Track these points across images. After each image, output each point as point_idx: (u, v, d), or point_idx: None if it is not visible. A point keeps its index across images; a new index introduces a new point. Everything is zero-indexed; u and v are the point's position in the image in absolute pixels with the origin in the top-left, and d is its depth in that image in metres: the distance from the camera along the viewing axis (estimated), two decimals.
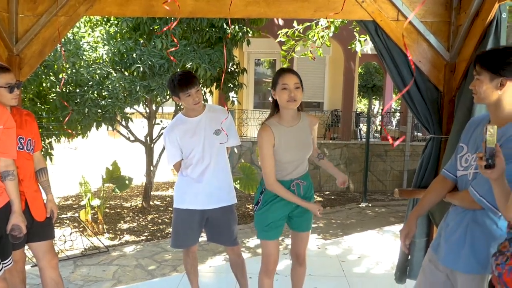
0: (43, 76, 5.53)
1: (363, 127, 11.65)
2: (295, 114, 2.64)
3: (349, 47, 5.30)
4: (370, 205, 8.03)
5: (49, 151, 6.01)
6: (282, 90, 2.51)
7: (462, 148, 1.98)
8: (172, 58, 4.92)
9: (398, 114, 13.83)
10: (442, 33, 2.89)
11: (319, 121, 2.81)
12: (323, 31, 4.80)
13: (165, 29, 5.25)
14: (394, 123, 14.31)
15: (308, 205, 2.62)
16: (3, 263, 2.33)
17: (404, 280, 3.09)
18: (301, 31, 4.92)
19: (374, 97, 21.56)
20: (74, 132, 6.14)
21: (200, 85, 2.96)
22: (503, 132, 1.72)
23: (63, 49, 5.53)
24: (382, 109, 13.96)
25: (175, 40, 5.56)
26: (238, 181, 6.82)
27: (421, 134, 11.62)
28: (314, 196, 2.89)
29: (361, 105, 22.06)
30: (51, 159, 5.95)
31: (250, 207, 7.74)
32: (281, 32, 4.95)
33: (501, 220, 1.80)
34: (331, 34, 4.83)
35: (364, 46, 5.00)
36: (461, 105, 2.66)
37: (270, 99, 2.69)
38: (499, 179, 1.55)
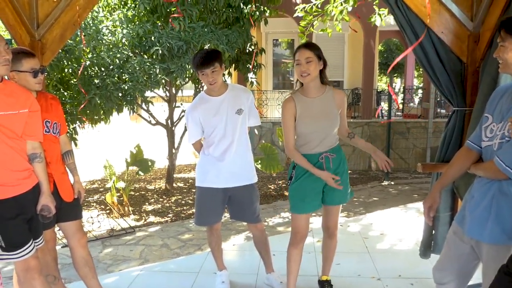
0: (65, 62, 5.61)
1: (384, 105, 11.48)
2: (318, 86, 2.70)
3: (368, 21, 5.20)
4: (392, 183, 7.97)
5: (74, 136, 6.14)
6: (296, 66, 2.63)
7: (487, 118, 1.94)
8: (173, 25, 4.90)
9: (420, 91, 13.56)
10: (465, 2, 2.80)
11: (345, 95, 2.83)
12: (341, 5, 4.71)
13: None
14: (416, 100, 14.06)
15: (320, 173, 2.65)
16: (35, 242, 2.41)
17: (429, 255, 3.08)
18: (319, 6, 4.84)
19: (395, 75, 21.16)
20: (91, 117, 6.22)
21: (222, 65, 2.94)
22: None
23: (82, 33, 5.59)
24: (404, 87, 13.70)
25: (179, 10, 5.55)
26: (260, 162, 6.86)
27: (444, 110, 11.40)
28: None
29: (381, 83, 21.70)
30: (75, 144, 6.08)
31: (272, 187, 7.78)
32: (299, 8, 4.88)
33: None
34: (349, 8, 4.74)
35: (385, 18, 4.88)
36: (486, 75, 2.59)
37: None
38: None
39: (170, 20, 5.71)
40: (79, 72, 5.53)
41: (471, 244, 1.96)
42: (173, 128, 7.79)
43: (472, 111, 2.74)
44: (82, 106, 5.33)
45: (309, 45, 2.66)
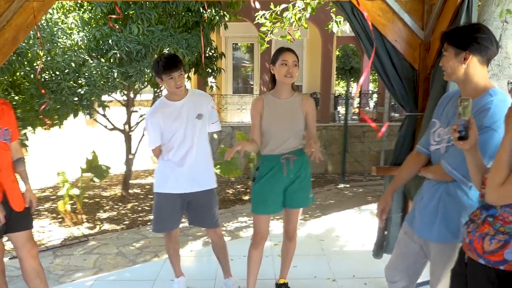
0: (17, 65, 5.38)
1: (341, 109, 11.74)
2: (289, 90, 2.82)
3: (326, 28, 5.31)
4: (348, 185, 8.15)
5: (24, 142, 5.89)
6: (281, 65, 2.70)
7: (435, 123, 2.03)
8: (111, 25, 4.79)
9: (375, 95, 13.97)
10: (417, 12, 2.92)
11: (313, 102, 2.91)
12: (300, 12, 4.79)
13: None
14: (371, 104, 14.47)
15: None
16: None
17: (381, 255, 3.18)
18: (278, 13, 4.91)
19: (352, 80, 21.69)
20: (50, 121, 6.01)
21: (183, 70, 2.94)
22: (473, 105, 1.77)
23: (40, 35, 5.40)
24: (360, 91, 14.09)
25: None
26: (218, 166, 6.83)
27: (398, 114, 11.79)
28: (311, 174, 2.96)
29: (339, 87, 22.19)
30: (26, 150, 5.83)
31: (231, 192, 7.77)
32: (258, 14, 4.93)
33: (471, 190, 1.86)
34: (308, 16, 4.83)
35: (342, 27, 5.01)
36: (436, 82, 2.70)
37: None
38: (472, 150, 1.60)
39: (109, 20, 5.60)
40: (37, 72, 5.33)
41: (420, 243, 2.04)
42: (130, 133, 7.63)
43: (423, 116, 2.85)
44: (43, 106, 5.14)
45: (293, 51, 2.78)
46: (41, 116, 5.62)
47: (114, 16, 5.52)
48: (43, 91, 5.25)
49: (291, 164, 2.78)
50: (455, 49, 1.80)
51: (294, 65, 2.72)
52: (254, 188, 2.87)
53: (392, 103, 10.29)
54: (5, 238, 2.71)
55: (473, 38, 1.76)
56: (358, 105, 12.28)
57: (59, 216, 6.02)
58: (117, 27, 6.01)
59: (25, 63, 5.47)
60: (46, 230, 5.33)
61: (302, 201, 2.90)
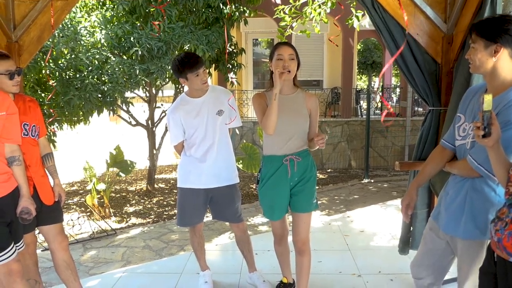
0: (42, 63, 5.54)
1: (363, 104, 11.63)
2: (290, 86, 2.68)
3: (346, 23, 5.28)
4: (372, 181, 8.08)
5: (52, 138, 6.06)
6: (277, 60, 2.57)
7: (460, 118, 2.01)
8: (157, 27, 4.83)
9: (398, 89, 13.78)
10: (439, 5, 2.89)
11: (317, 100, 2.80)
12: (319, 7, 4.78)
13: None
14: (394, 99, 14.28)
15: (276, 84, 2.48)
16: (16, 246, 2.40)
17: (407, 251, 3.17)
18: (297, 7, 4.90)
19: (373, 74, 21.43)
20: (70, 118, 6.17)
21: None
22: (500, 100, 1.75)
23: (60, 34, 5.53)
24: (382, 85, 13.93)
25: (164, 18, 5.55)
26: (241, 161, 6.88)
27: (421, 109, 11.61)
28: (317, 174, 2.93)
29: (360, 82, 21.95)
30: (54, 146, 6.00)
31: (254, 187, 7.81)
32: (278, 9, 4.94)
33: (499, 187, 1.84)
34: (328, 10, 4.81)
35: (362, 21, 4.98)
36: (459, 76, 2.68)
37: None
38: (495, 146, 1.59)
39: (155, 24, 5.70)
40: (46, 60, 5.43)
41: (446, 239, 2.03)
42: (154, 129, 7.75)
43: (446, 111, 2.82)
44: (50, 96, 5.28)
45: (290, 44, 2.68)
46: (48, 107, 5.74)
47: (157, 22, 5.61)
48: (49, 79, 5.39)
49: (295, 167, 2.65)
50: (485, 41, 1.75)
51: (290, 59, 2.56)
52: (260, 192, 2.79)
53: (415, 97, 10.14)
54: (37, 231, 2.82)
55: (505, 30, 1.71)
56: (380, 100, 12.12)
57: (88, 210, 6.18)
58: (138, 24, 6.11)
59: (50, 61, 5.61)
60: (76, 223, 5.48)
61: (305, 204, 2.72)
